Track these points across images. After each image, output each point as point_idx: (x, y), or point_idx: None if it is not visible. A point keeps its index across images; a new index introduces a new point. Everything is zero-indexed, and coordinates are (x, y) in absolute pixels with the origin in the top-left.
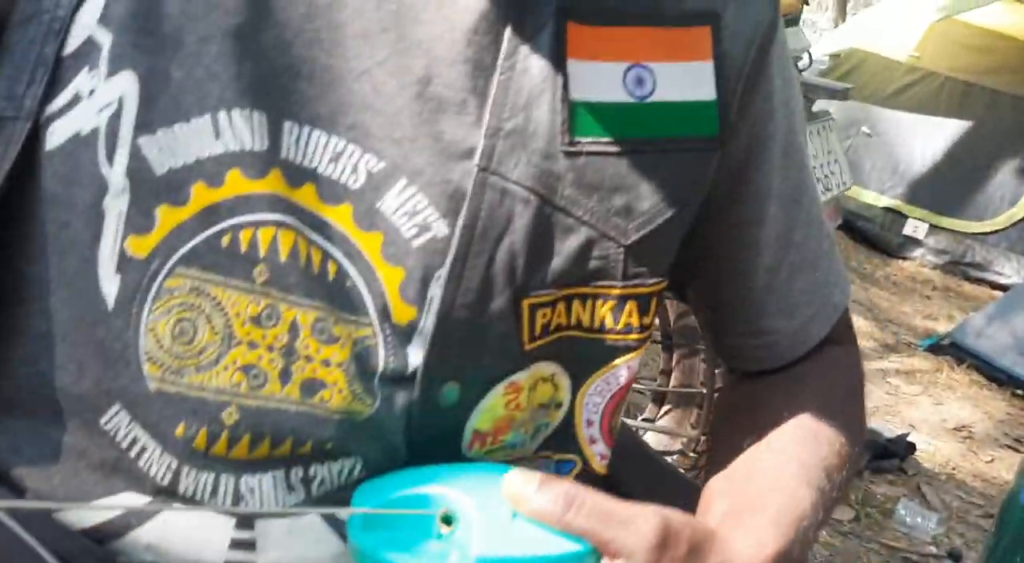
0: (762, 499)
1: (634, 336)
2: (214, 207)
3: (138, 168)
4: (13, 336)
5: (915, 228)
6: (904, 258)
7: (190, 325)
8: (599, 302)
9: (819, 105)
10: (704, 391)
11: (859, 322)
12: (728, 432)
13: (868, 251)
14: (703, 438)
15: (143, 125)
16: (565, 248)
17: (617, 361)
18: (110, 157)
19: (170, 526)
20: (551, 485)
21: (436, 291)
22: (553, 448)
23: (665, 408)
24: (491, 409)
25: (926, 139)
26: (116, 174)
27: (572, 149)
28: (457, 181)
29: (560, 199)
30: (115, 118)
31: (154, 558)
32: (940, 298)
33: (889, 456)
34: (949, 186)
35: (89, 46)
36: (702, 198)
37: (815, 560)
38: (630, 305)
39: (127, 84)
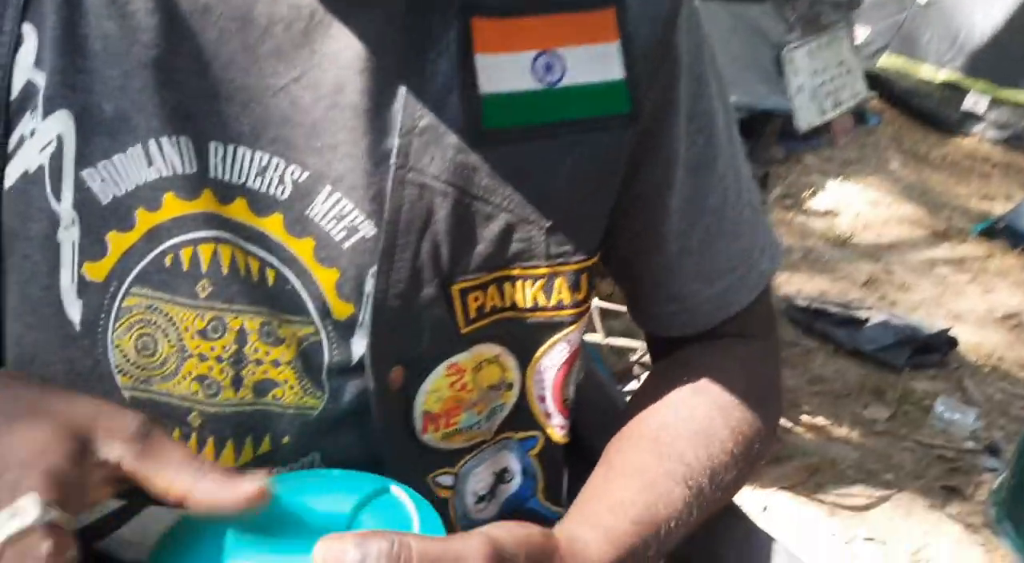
0: (632, 496)
1: (567, 312)
2: (156, 229)
3: (84, 199)
4: None
5: (975, 102)
6: (963, 135)
7: (151, 340)
8: (528, 282)
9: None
10: None
11: (909, 209)
12: (629, 417)
13: (924, 130)
14: None
15: (83, 159)
16: (487, 234)
17: (557, 336)
18: (56, 192)
19: (150, 523)
20: (368, 541)
21: (370, 286)
22: (514, 427)
23: None
24: (436, 390)
25: (987, 5)
26: (64, 207)
27: (485, 140)
28: (378, 183)
29: (477, 189)
30: (57, 155)
31: (136, 555)
32: (1000, 176)
33: (930, 351)
34: (1012, 55)
35: (29, 89)
36: (620, 174)
37: (844, 463)
38: (559, 282)
39: (63, 122)
